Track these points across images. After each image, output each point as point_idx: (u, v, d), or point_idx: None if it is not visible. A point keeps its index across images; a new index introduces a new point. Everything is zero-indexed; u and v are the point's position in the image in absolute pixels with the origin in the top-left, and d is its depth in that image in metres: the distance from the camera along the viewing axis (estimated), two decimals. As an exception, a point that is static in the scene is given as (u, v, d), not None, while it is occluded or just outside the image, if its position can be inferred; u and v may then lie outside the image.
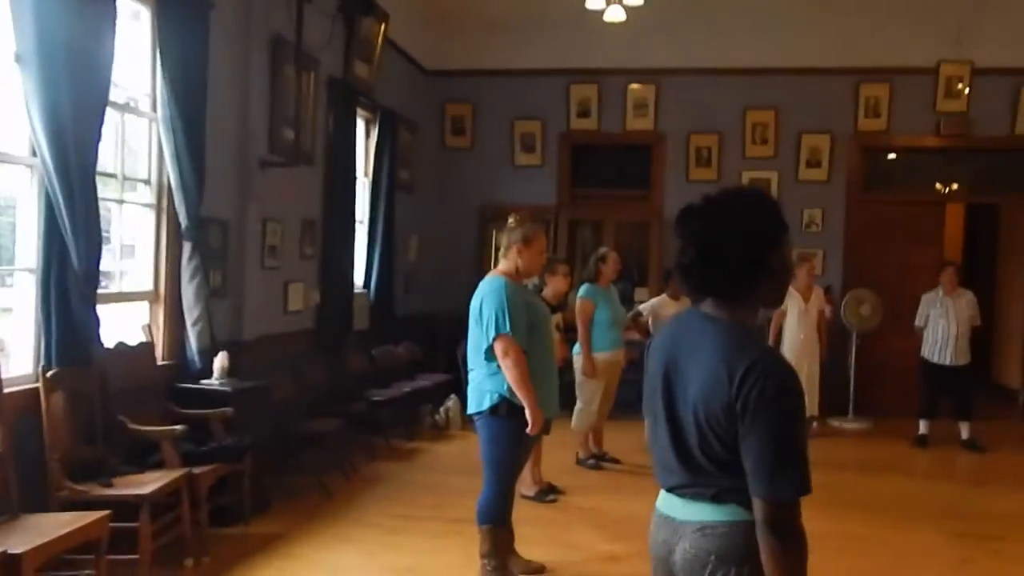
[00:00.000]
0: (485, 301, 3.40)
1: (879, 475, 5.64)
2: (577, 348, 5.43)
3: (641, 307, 6.33)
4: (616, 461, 5.65)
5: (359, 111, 6.49)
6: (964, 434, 6.44)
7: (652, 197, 7.92)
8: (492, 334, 3.33)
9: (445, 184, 8.15)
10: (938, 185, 7.93)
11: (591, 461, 5.57)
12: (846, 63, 7.47)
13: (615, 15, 5.88)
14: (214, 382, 4.32)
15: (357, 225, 6.42)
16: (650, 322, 6.10)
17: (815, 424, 6.68)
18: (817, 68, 7.51)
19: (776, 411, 1.42)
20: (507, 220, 3.59)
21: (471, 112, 8.14)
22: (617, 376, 5.62)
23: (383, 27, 6.42)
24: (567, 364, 5.31)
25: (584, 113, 7.87)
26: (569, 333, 5.58)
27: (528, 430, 3.34)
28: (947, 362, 6.45)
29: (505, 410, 3.36)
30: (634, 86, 7.82)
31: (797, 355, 6.61)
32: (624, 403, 5.92)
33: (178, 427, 3.77)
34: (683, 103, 7.79)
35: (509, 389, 3.33)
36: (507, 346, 3.31)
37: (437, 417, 6.73)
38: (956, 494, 5.31)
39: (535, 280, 4.76)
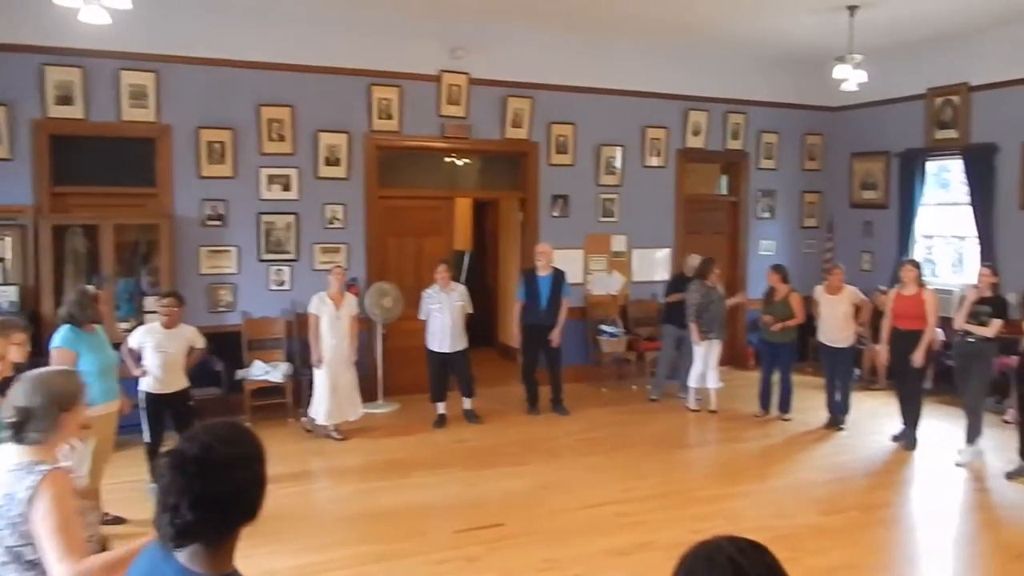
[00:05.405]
0: None
1: (405, 474, 5.95)
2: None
3: (130, 340, 5.34)
4: (120, 520, 4.93)
5: None
6: (467, 405, 7.38)
7: (160, 195, 7.08)
8: None
9: None
10: (446, 182, 8.67)
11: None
12: (359, 65, 7.59)
13: (95, 16, 4.92)
14: None
15: None
16: (144, 352, 5.29)
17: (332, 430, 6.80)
18: (331, 68, 7.49)
19: None
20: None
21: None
22: (113, 428, 4.89)
23: None
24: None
25: (65, 100, 6.61)
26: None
27: None
28: (446, 350, 7.15)
29: None
30: (128, 73, 6.83)
31: (332, 362, 6.67)
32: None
33: None
34: (189, 94, 7.06)
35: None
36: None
37: None
38: (467, 480, 5.88)
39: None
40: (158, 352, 5.24)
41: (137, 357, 5.30)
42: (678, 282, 8.15)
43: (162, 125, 7.02)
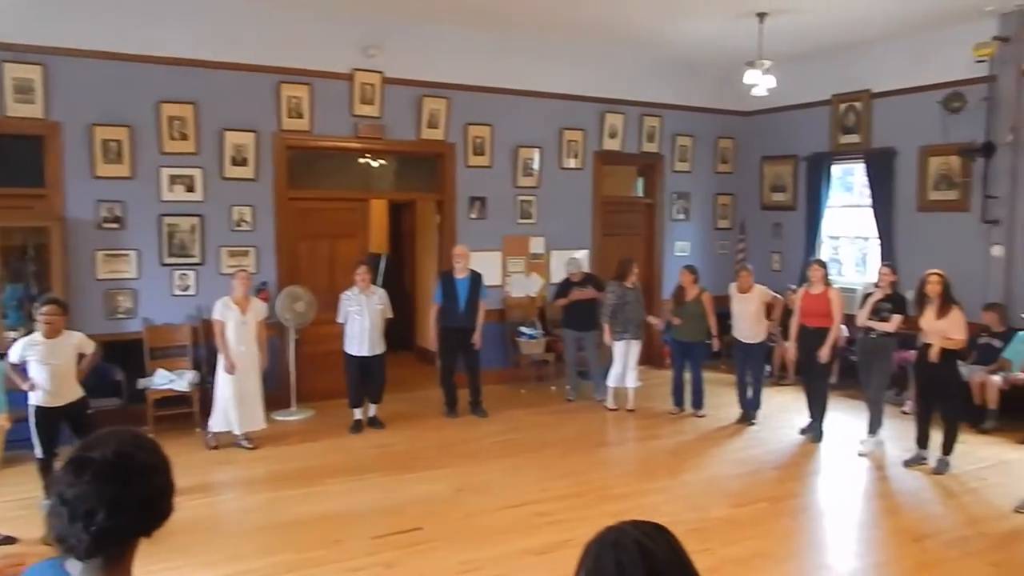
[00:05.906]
0: None
1: (320, 482, 5.75)
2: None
3: (10, 355, 4.91)
4: (11, 540, 4.60)
5: None
6: (371, 412, 7.21)
7: (50, 196, 6.66)
8: None
9: None
10: (360, 183, 8.49)
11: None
12: (267, 62, 7.34)
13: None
14: None
15: None
16: (29, 366, 4.89)
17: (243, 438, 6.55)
18: (237, 64, 7.22)
19: None
20: None
21: None
22: (-1, 443, 4.60)
23: None
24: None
25: (-58, 93, 6.18)
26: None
27: None
28: (365, 354, 6.99)
29: None
30: (12, 65, 6.38)
31: (239, 369, 6.40)
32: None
33: None
34: (82, 90, 6.67)
35: None
36: None
37: None
38: (385, 486, 5.73)
39: None
40: (43, 365, 4.85)
41: (23, 370, 4.93)
42: (564, 286, 8.17)
43: (51, 122, 6.59)
